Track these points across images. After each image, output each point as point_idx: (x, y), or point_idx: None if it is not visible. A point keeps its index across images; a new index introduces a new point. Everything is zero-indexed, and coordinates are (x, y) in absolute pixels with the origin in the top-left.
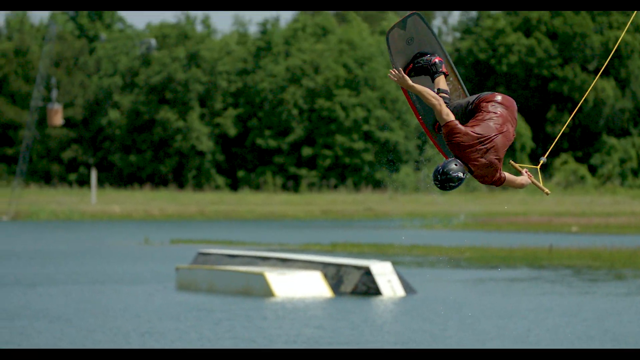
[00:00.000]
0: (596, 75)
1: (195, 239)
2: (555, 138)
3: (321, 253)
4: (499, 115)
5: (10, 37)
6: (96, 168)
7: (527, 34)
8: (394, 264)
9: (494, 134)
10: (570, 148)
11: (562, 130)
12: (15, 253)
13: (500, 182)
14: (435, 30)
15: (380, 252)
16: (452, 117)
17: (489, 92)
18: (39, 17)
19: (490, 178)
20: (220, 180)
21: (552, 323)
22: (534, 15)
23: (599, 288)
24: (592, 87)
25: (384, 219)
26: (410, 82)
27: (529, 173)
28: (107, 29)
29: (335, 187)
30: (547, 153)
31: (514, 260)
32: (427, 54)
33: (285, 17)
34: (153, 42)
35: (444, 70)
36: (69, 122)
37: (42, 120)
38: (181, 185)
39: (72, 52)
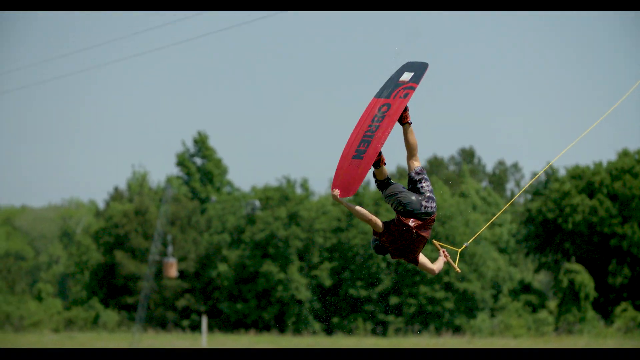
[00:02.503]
0: None
1: None
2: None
3: None
4: (409, 226)
5: (131, 199)
6: (207, 315)
7: (591, 195)
8: None
9: (404, 242)
10: (629, 297)
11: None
12: None
13: (415, 264)
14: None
15: None
16: (381, 228)
17: (406, 202)
18: (156, 181)
19: (406, 260)
20: (316, 325)
21: None
22: (597, 179)
23: None
24: None
25: None
26: (345, 202)
27: (445, 252)
28: (217, 192)
29: (419, 332)
30: (471, 240)
31: None
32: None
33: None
34: (257, 203)
35: (383, 161)
36: (182, 274)
37: (159, 273)
38: (282, 330)
39: (185, 212)
